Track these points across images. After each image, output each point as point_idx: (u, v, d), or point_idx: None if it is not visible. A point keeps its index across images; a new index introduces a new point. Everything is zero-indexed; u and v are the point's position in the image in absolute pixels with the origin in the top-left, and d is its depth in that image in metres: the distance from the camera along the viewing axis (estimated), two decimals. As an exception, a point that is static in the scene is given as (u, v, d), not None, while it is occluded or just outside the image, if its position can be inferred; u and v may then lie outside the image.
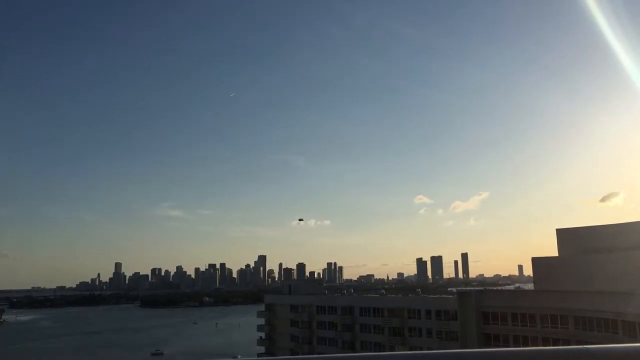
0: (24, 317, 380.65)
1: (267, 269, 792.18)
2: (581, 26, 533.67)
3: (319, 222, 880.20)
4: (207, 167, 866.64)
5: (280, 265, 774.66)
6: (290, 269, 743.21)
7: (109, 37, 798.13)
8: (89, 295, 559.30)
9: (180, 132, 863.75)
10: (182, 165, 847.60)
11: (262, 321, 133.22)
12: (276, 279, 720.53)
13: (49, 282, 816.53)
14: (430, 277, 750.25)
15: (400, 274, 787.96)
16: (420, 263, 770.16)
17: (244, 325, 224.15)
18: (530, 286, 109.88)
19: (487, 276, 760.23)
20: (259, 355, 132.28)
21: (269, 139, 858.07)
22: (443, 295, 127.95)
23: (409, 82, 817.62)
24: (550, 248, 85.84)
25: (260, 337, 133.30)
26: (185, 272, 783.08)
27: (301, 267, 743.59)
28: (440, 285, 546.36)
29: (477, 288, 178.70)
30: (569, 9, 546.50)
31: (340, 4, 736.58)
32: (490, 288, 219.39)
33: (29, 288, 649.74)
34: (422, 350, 56.86)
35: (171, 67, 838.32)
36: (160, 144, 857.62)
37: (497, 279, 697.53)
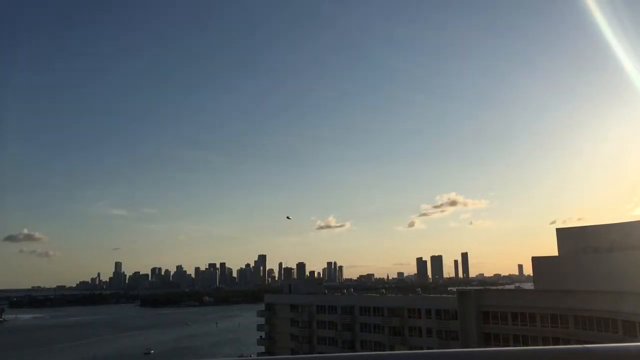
0: (25, 316, 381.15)
1: (267, 269, 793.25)
2: (581, 25, 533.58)
3: (320, 222, 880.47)
4: (207, 172, 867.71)
5: (280, 264, 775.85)
6: (290, 269, 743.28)
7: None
8: (89, 295, 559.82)
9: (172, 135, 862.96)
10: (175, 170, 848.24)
11: (262, 320, 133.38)
12: (276, 279, 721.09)
13: (49, 281, 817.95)
14: (430, 276, 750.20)
15: (400, 274, 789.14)
16: (420, 262, 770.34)
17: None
18: (530, 286, 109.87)
19: (487, 276, 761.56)
20: (259, 354, 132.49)
21: (260, 142, 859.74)
22: (443, 295, 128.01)
23: (405, 84, 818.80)
24: (550, 247, 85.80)
25: (260, 336, 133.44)
26: (185, 271, 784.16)
27: (301, 266, 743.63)
28: (440, 284, 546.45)
29: (477, 287, 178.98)
30: (569, 8, 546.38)
31: (327, 5, 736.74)
32: (490, 287, 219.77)
33: (29, 287, 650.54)
34: (422, 349, 56.88)
35: (140, 67, 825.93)
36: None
37: (497, 279, 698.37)
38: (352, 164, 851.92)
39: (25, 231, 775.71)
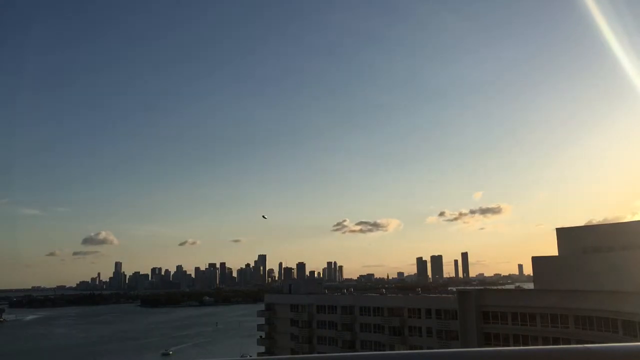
0: (25, 317, 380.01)
1: (267, 269, 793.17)
2: (581, 26, 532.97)
3: (321, 221, 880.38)
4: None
5: (280, 264, 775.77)
6: (291, 268, 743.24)
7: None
8: (89, 295, 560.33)
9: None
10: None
11: (262, 320, 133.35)
12: (276, 278, 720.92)
13: (49, 281, 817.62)
14: (430, 276, 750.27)
15: (400, 273, 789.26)
16: (421, 262, 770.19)
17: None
18: (530, 285, 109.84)
19: (487, 275, 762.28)
20: (259, 354, 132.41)
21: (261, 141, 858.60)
22: (443, 295, 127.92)
23: (402, 87, 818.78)
24: (550, 247, 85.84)
25: (260, 336, 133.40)
26: (185, 271, 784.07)
27: (301, 266, 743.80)
28: (440, 284, 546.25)
29: (477, 287, 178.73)
30: (570, 9, 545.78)
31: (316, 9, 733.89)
32: (490, 287, 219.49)
33: (29, 287, 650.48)
34: (422, 349, 56.76)
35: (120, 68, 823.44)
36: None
37: (497, 278, 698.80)
38: (355, 165, 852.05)
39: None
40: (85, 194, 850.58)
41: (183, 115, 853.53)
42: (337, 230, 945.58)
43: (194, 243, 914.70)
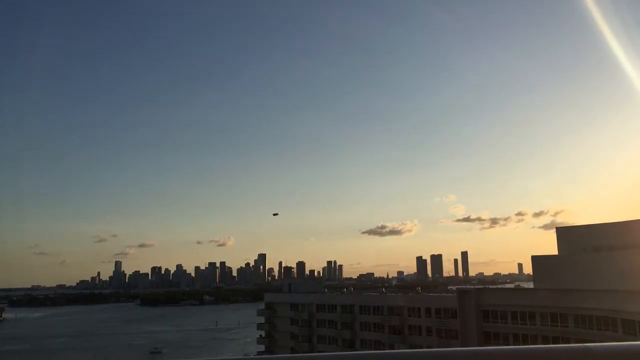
0: (31, 314, 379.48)
1: (267, 267, 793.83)
2: (583, 26, 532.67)
3: (321, 220, 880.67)
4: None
5: (280, 263, 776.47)
6: (290, 268, 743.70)
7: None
8: (89, 294, 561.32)
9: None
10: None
11: (262, 319, 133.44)
12: (276, 277, 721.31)
13: (49, 280, 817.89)
14: (430, 275, 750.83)
15: (400, 272, 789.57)
16: (420, 261, 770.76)
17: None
18: (530, 284, 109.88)
19: (486, 274, 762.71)
20: (259, 353, 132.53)
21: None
22: (443, 294, 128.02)
23: (404, 88, 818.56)
24: (550, 246, 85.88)
25: (260, 335, 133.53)
26: (185, 270, 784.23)
27: (301, 265, 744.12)
28: (440, 283, 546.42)
29: (477, 286, 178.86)
30: (570, 8, 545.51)
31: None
32: (490, 286, 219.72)
33: (29, 286, 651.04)
34: (421, 348, 56.66)
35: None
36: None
37: (497, 277, 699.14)
38: (356, 168, 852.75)
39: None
40: (84, 194, 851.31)
41: (174, 109, 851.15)
42: (341, 231, 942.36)
43: (198, 242, 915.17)
